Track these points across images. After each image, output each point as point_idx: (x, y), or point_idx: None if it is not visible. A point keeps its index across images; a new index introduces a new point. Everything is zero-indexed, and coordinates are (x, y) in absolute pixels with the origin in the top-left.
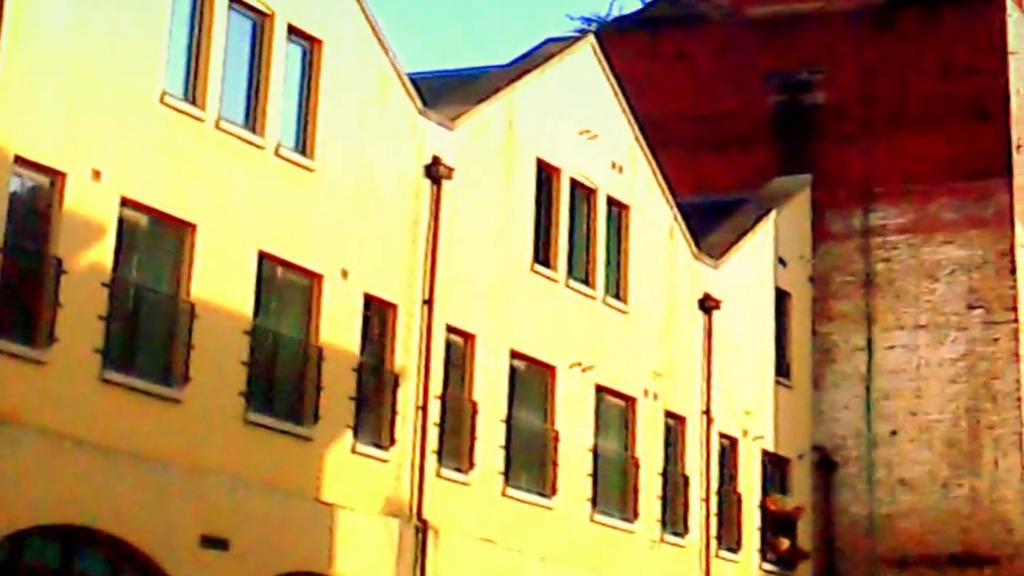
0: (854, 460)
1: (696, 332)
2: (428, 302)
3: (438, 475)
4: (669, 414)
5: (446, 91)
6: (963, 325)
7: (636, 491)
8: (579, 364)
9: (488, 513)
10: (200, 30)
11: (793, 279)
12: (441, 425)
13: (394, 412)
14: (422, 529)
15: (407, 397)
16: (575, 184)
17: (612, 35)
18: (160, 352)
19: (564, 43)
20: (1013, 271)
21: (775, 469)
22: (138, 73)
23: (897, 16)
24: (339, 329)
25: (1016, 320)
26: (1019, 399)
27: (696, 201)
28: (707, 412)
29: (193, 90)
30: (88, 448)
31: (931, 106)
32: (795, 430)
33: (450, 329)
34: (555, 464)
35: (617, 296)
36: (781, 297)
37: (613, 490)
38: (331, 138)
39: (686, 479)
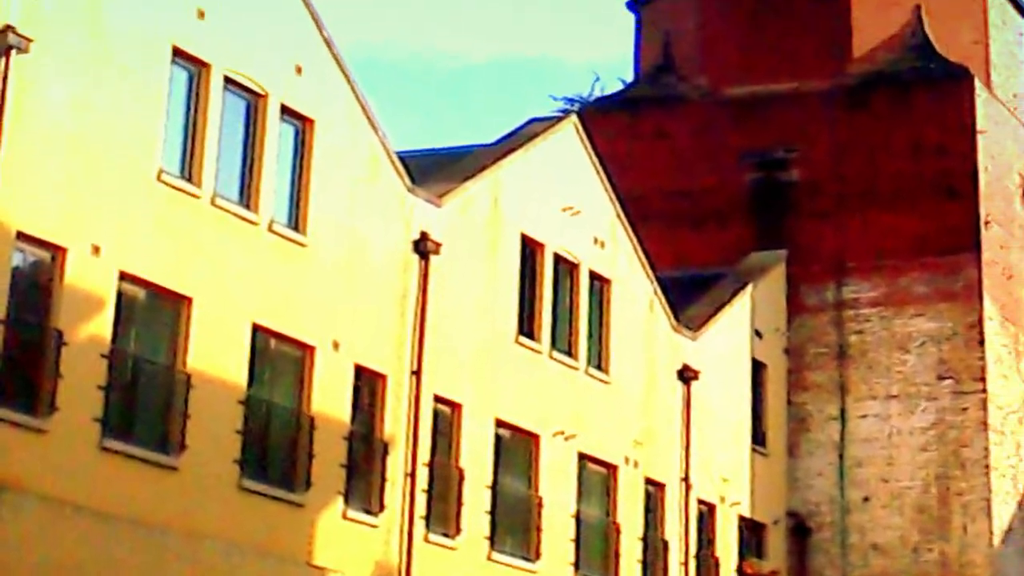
0: (828, 525)
1: (675, 402)
2: (416, 373)
3: (426, 540)
4: (649, 481)
5: (434, 169)
6: (933, 395)
7: (617, 556)
8: (562, 433)
9: None
10: (196, 110)
11: (769, 350)
12: (429, 491)
13: (383, 479)
14: None
15: (396, 464)
16: (558, 259)
17: (594, 115)
18: (157, 421)
19: (548, 123)
20: (982, 343)
21: (752, 534)
22: (136, 151)
23: (869, 96)
24: (330, 399)
25: (984, 390)
26: (987, 467)
27: (675, 275)
28: (686, 479)
29: (190, 168)
30: (88, 514)
31: (902, 184)
32: (771, 496)
33: (437, 399)
34: (539, 529)
35: (599, 367)
36: (757, 368)
37: (595, 555)
38: (323, 214)
39: (666, 544)
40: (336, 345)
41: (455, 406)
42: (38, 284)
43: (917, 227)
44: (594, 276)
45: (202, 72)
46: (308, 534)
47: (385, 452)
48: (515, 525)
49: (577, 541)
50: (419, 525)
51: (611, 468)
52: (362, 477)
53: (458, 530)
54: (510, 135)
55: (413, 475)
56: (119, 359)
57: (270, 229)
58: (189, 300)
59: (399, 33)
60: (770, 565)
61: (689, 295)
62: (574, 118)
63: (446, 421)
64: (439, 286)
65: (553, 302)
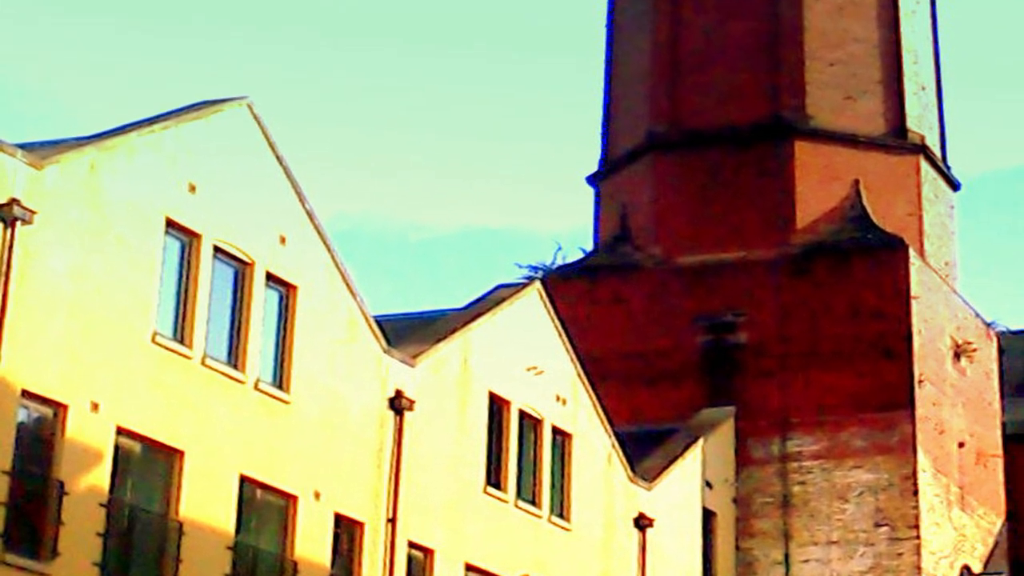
0: None
1: (632, 547)
2: (392, 520)
3: None
4: None
5: (408, 332)
6: (871, 541)
7: None
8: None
9: None
10: (188, 277)
11: (719, 500)
12: None
13: None
14: None
15: None
16: (523, 415)
17: (556, 282)
18: (152, 566)
19: (513, 289)
20: (916, 493)
21: None
22: (132, 315)
23: (811, 264)
24: (312, 545)
25: (918, 537)
26: None
27: (632, 430)
28: None
29: (182, 330)
30: None
31: (842, 345)
32: None
33: (411, 545)
34: None
35: (561, 515)
36: (708, 516)
37: None
38: (305, 373)
39: None
40: (317, 495)
41: (428, 551)
42: (41, 438)
43: (856, 385)
44: (556, 431)
45: (193, 242)
46: None
47: None
48: None
49: None
50: None
51: None
52: None
53: None
54: (478, 300)
55: None
56: (116, 508)
57: (256, 387)
58: (181, 453)
59: (376, 206)
60: None
61: (644, 448)
62: (538, 284)
63: (419, 566)
64: (413, 440)
65: (518, 455)
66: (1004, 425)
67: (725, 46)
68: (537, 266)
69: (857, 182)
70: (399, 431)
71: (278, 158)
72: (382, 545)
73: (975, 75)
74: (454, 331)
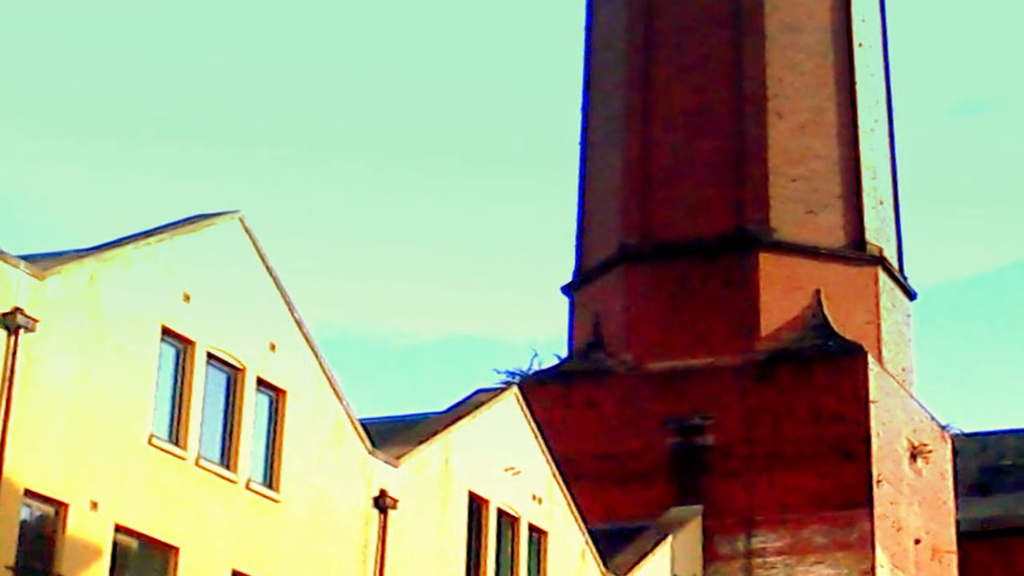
0: None
1: None
2: None
3: None
4: None
5: (392, 434)
6: None
7: None
8: None
9: None
10: (182, 382)
11: None
12: None
13: None
14: None
15: None
16: (501, 513)
17: (532, 386)
18: None
19: (492, 393)
20: None
21: None
22: (130, 418)
23: (775, 370)
24: None
25: None
26: None
27: (604, 527)
28: None
29: (177, 432)
30: None
31: (804, 447)
32: None
33: None
34: None
35: None
36: None
37: None
38: (294, 474)
39: None
40: None
41: None
42: (43, 535)
43: (817, 485)
44: (533, 528)
45: (188, 349)
46: None
47: None
48: None
49: None
50: None
51: None
52: None
53: None
54: (459, 404)
55: None
56: None
57: (247, 487)
58: (176, 549)
59: (361, 315)
60: None
61: (616, 545)
62: (515, 389)
63: None
64: (397, 537)
65: (497, 552)
66: (958, 523)
67: (693, 163)
68: (514, 372)
69: (818, 292)
70: (383, 529)
71: (268, 269)
72: None
73: (931, 190)
74: (435, 433)
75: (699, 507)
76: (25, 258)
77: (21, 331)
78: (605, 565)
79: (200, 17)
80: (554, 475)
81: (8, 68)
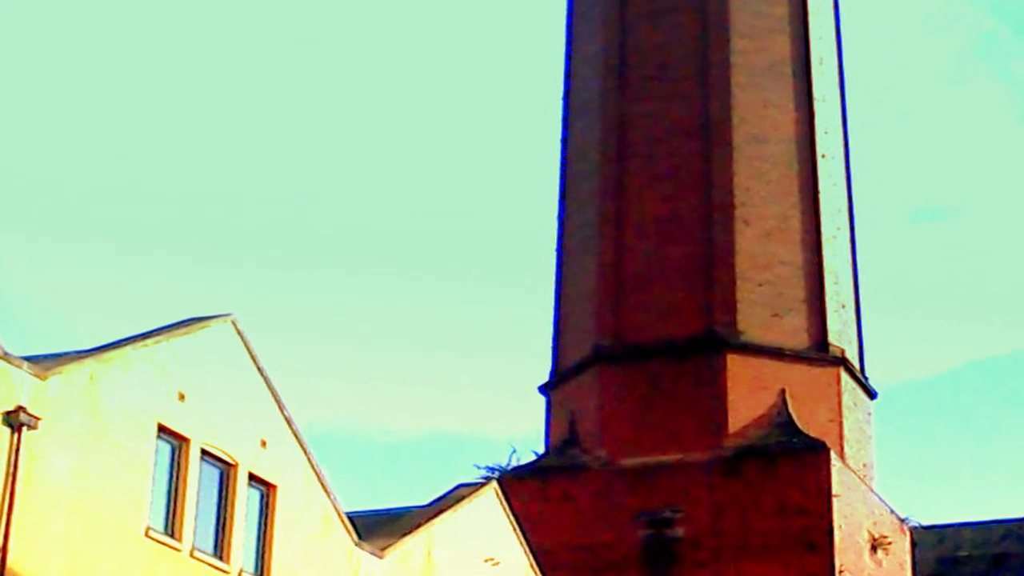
0: None
1: None
2: None
3: None
4: None
5: (377, 526)
6: None
7: None
8: None
9: None
10: (178, 477)
11: None
12: None
13: None
14: None
15: None
16: None
17: (511, 481)
18: None
19: (472, 488)
20: None
21: None
22: (127, 512)
23: (742, 465)
24: None
25: None
26: None
27: None
28: None
29: (172, 525)
30: None
31: (770, 539)
32: None
33: None
34: None
35: None
36: None
37: None
38: (284, 565)
39: None
40: None
41: None
42: None
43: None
44: None
45: (183, 445)
46: None
47: None
48: None
49: None
50: None
51: None
52: None
53: None
54: (441, 498)
55: None
56: None
57: None
58: None
59: (348, 413)
60: None
61: None
62: (495, 484)
63: None
64: None
65: None
66: None
67: (664, 268)
68: (494, 467)
69: (783, 391)
70: None
71: (259, 369)
72: None
73: (891, 294)
74: (419, 526)
75: None
76: (28, 358)
77: (24, 428)
78: None
79: (194, 124)
80: (532, 566)
81: (12, 174)
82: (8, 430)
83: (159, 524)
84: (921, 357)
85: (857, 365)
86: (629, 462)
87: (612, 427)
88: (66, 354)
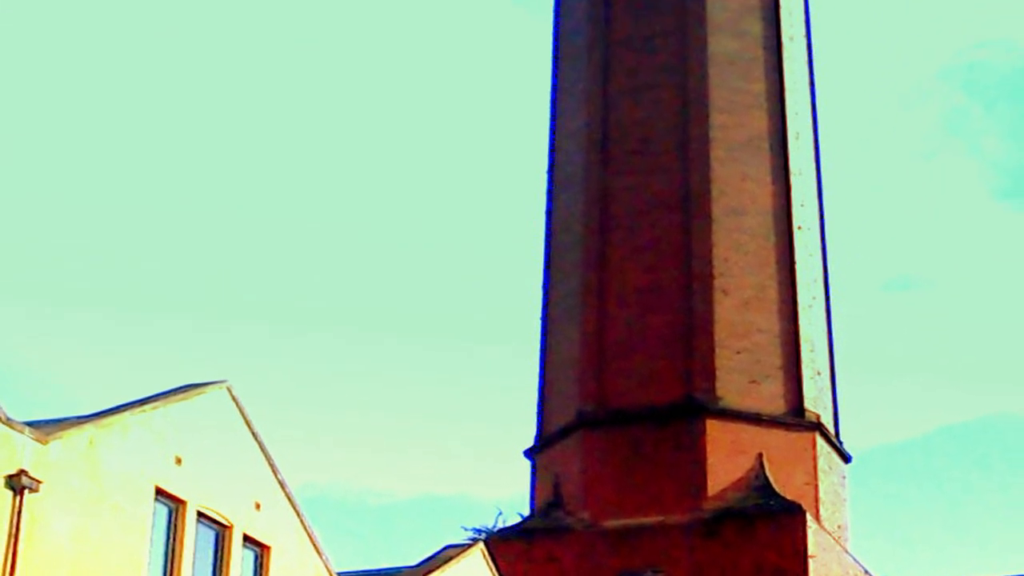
0: None
1: None
2: None
3: None
4: None
5: None
6: None
7: None
8: None
9: None
10: (174, 538)
11: None
12: None
13: None
14: None
15: None
16: None
17: (497, 543)
18: None
19: (460, 549)
20: None
21: None
22: (126, 572)
23: (721, 527)
24: None
25: None
26: None
27: None
28: None
29: None
30: None
31: None
32: None
33: None
34: None
35: None
36: None
37: None
38: None
39: None
40: None
41: None
42: None
43: None
44: None
45: (179, 508)
46: None
47: None
48: None
49: None
50: None
51: None
52: None
53: None
54: (429, 559)
55: None
56: None
57: None
58: None
59: (340, 476)
60: None
61: None
62: (481, 545)
63: None
64: None
65: None
66: None
67: (645, 336)
68: (480, 529)
69: (761, 455)
70: None
71: (254, 434)
72: None
73: (865, 361)
74: None
75: None
76: (29, 424)
77: (25, 492)
78: None
79: (189, 192)
80: None
81: (12, 248)
82: (10, 493)
83: None
84: (894, 422)
85: (832, 430)
86: (612, 524)
87: (595, 490)
88: (66, 419)
